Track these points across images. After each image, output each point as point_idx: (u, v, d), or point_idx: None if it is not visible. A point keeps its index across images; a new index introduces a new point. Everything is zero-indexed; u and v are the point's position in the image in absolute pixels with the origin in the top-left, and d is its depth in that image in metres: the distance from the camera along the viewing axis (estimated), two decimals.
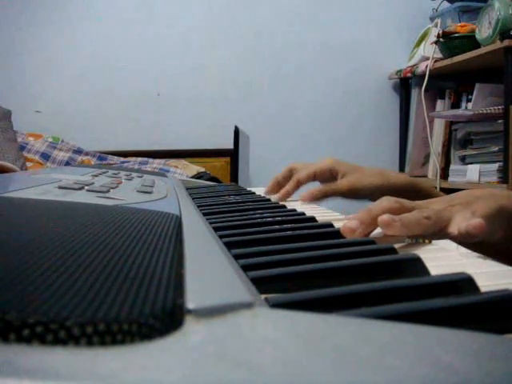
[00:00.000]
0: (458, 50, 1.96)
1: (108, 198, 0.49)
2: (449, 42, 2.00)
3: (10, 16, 2.25)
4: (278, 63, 2.40)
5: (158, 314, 0.16)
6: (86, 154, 2.09)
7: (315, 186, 0.72)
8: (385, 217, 0.39)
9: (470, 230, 0.38)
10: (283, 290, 0.24)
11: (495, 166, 1.83)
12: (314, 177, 0.74)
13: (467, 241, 0.39)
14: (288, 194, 0.72)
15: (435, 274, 0.28)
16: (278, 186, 0.75)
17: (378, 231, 0.42)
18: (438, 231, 0.41)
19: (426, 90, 2.11)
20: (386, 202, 0.43)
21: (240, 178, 1.84)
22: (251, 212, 0.53)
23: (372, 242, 0.36)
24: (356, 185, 0.70)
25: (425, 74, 2.11)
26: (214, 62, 2.36)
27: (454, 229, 0.40)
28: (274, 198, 0.71)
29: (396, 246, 0.34)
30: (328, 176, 0.73)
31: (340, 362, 0.14)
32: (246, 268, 0.27)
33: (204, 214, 0.50)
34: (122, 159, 2.08)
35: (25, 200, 0.42)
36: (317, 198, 0.70)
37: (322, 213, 0.60)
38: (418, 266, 0.29)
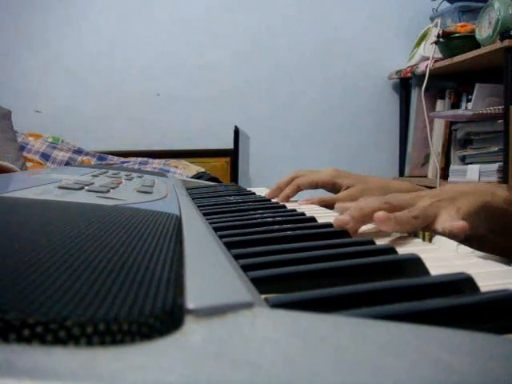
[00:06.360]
0: (458, 50, 1.96)
1: (108, 198, 0.49)
2: (449, 42, 2.00)
3: (9, 16, 2.25)
4: (278, 63, 2.40)
5: (158, 314, 0.15)
6: (86, 154, 2.09)
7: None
8: (381, 214, 0.42)
9: (454, 230, 0.42)
10: (283, 290, 0.24)
11: (495, 166, 1.83)
12: (315, 185, 0.75)
13: (451, 239, 0.44)
14: (287, 198, 0.73)
15: (435, 274, 0.28)
16: (280, 191, 0.75)
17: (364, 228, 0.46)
18: (424, 227, 0.45)
19: (426, 90, 2.11)
20: (375, 201, 0.46)
21: (240, 178, 1.84)
22: (251, 212, 0.53)
23: (372, 242, 0.36)
24: (357, 198, 0.71)
25: (425, 74, 2.10)
26: (214, 62, 2.36)
27: (438, 226, 0.44)
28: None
29: (397, 246, 0.34)
30: (330, 189, 0.74)
31: (340, 361, 0.14)
32: (245, 268, 0.27)
33: (204, 214, 0.50)
34: (122, 159, 2.08)
35: (25, 200, 0.42)
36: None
37: (321, 213, 0.60)
38: (418, 265, 0.29)
